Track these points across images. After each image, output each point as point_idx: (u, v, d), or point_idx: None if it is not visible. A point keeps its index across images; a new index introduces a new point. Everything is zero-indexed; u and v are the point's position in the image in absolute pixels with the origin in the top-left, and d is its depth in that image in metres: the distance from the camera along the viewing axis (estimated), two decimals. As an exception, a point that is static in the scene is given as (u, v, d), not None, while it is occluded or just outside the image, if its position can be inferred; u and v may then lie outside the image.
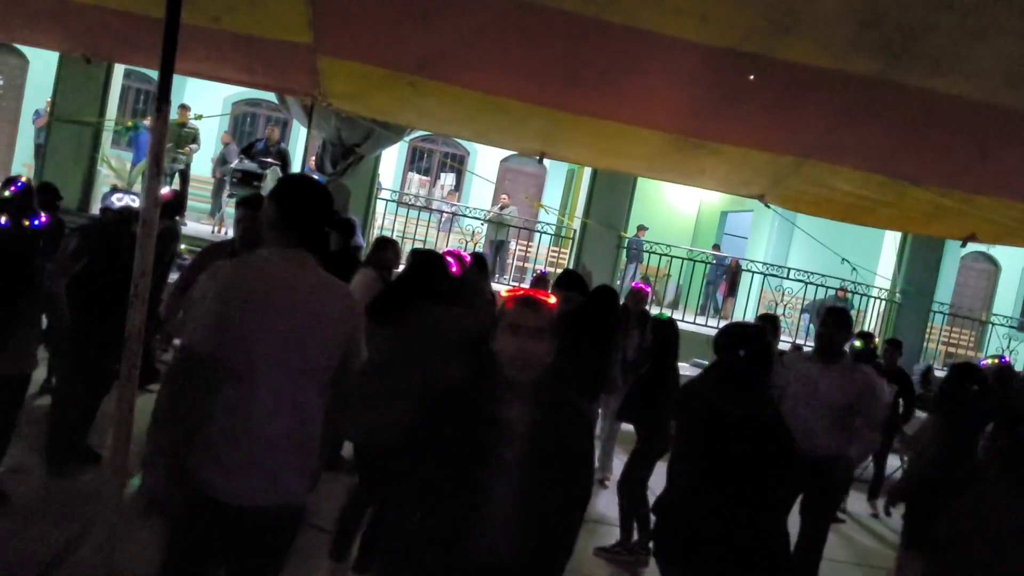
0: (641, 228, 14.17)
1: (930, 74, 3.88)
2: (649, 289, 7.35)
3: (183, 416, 2.28)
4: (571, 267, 11.23)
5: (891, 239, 12.62)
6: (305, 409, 2.38)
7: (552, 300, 2.16)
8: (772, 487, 2.88)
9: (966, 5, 3.30)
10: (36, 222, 4.13)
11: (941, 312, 12.77)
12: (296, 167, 11.63)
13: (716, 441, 2.90)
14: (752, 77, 4.06)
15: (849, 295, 12.65)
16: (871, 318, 11.98)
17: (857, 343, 6.52)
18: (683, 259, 13.16)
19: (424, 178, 17.55)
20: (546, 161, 6.79)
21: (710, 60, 4.12)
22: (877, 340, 8.68)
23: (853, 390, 4.42)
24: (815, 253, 11.89)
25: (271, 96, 12.08)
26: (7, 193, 4.57)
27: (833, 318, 4.65)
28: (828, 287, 12.07)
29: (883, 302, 12.20)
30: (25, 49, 14.24)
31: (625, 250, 12.79)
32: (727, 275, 14.96)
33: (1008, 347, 12.80)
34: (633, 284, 7.36)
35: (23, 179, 4.83)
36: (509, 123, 5.94)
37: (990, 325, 14.02)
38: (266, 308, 2.32)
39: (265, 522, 2.34)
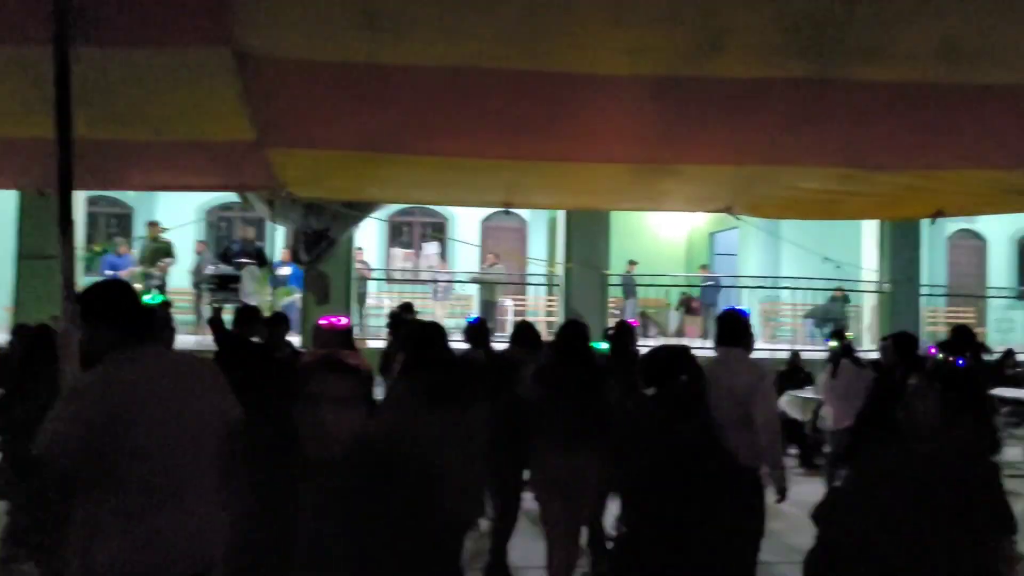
0: (631, 263, 14.21)
1: (864, 65, 3.91)
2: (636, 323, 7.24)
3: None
4: (569, 314, 11.21)
5: (870, 232, 12.66)
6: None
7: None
8: (734, 513, 2.76)
9: (879, -5, 3.34)
10: None
11: (935, 295, 12.75)
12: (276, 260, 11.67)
13: (670, 473, 2.78)
14: (690, 98, 4.10)
15: (846, 293, 12.65)
16: (867, 312, 11.93)
17: (832, 343, 6.51)
18: (679, 286, 13.17)
19: (407, 251, 17.60)
20: (526, 213, 6.86)
21: (649, 89, 4.17)
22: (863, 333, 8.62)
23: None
24: (803, 259, 11.92)
25: (241, 197, 12.16)
26: None
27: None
28: (819, 289, 12.05)
29: (875, 295, 12.16)
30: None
31: (621, 287, 12.78)
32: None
33: (1008, 318, 12.75)
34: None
35: None
36: (468, 180, 5.98)
37: (986, 300, 13.98)
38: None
39: None
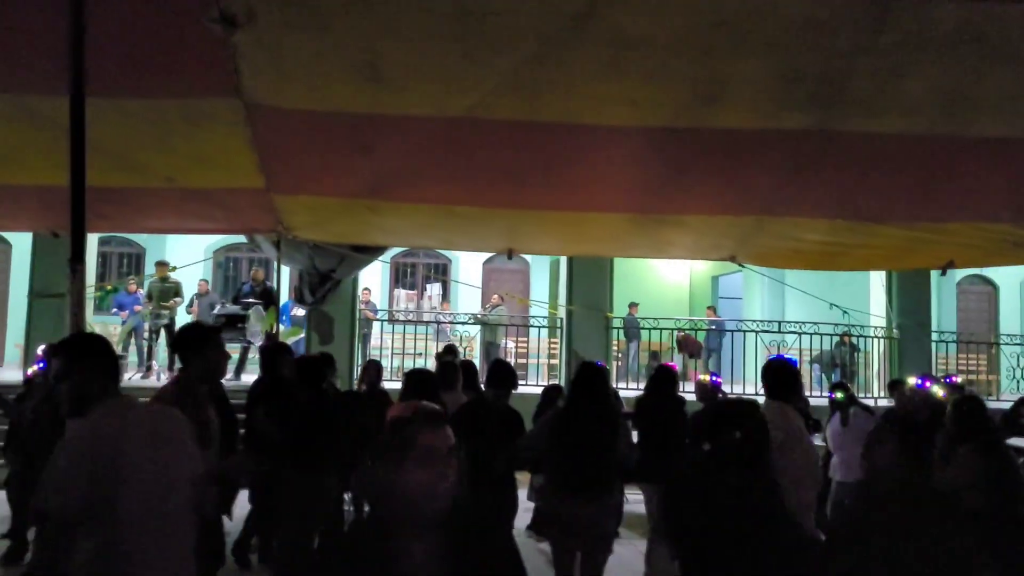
0: (632, 305, 14.18)
1: (865, 117, 3.95)
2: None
3: None
4: (570, 355, 11.19)
5: (878, 277, 12.63)
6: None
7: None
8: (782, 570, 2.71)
9: (880, 48, 3.37)
10: None
11: (945, 341, 12.65)
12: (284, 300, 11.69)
13: (722, 529, 2.71)
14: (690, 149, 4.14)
15: (852, 339, 12.58)
16: (875, 358, 11.86)
17: (838, 395, 6.44)
18: (682, 329, 13.12)
19: (411, 292, 17.64)
20: (529, 256, 6.90)
21: (648, 140, 4.21)
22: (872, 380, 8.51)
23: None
24: (809, 303, 11.89)
25: (248, 238, 12.25)
26: None
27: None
28: (825, 334, 12.00)
29: (883, 340, 12.10)
30: (5, 233, 14.52)
31: (623, 330, 12.74)
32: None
33: (1020, 365, 12.64)
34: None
35: None
36: (470, 227, 6.02)
37: (998, 346, 13.87)
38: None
39: None
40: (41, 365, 5.90)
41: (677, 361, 14.09)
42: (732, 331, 13.23)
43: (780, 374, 4.14)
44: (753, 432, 2.85)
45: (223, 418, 3.67)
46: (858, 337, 12.30)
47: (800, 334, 11.68)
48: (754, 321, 12.52)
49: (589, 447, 4.52)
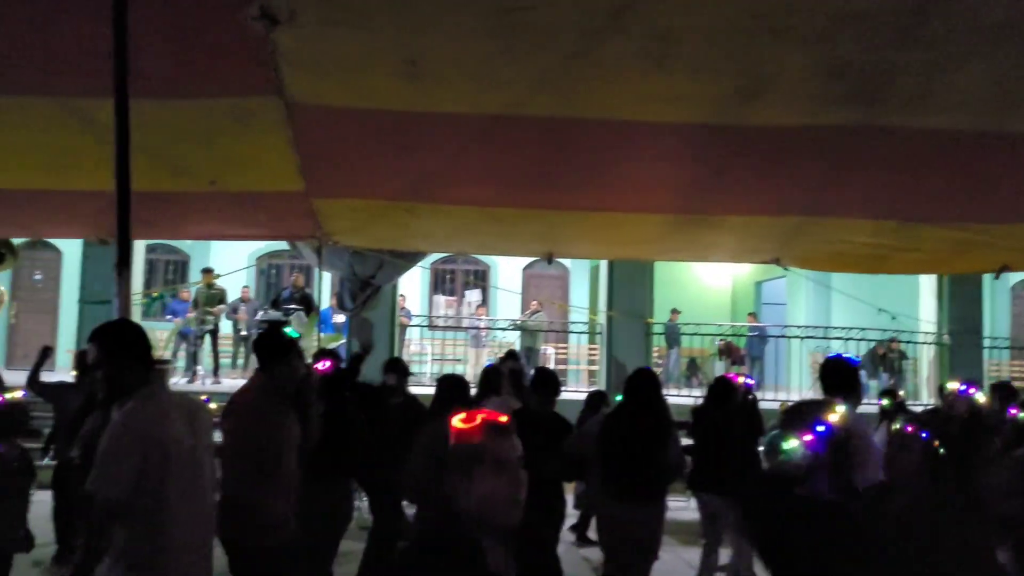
0: (674, 312, 14.08)
1: (911, 113, 3.82)
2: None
3: None
4: (610, 361, 11.12)
5: (927, 281, 12.32)
6: None
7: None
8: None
9: (927, 40, 3.26)
10: None
11: (998, 347, 12.28)
12: (324, 307, 11.83)
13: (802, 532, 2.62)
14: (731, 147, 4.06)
15: (900, 344, 12.29)
16: (924, 365, 11.55)
17: (885, 402, 6.29)
18: (723, 335, 12.96)
19: (450, 298, 17.71)
20: (568, 262, 6.85)
21: (688, 137, 4.15)
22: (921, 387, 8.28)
23: None
24: (857, 308, 11.64)
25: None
26: None
27: None
28: (873, 340, 11.74)
29: (933, 347, 11.78)
30: (56, 241, 14.92)
31: (664, 336, 12.63)
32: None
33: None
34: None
35: None
36: (509, 231, 6.00)
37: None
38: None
39: None
40: None
41: (720, 368, 13.93)
42: (776, 337, 13.00)
43: (840, 371, 3.91)
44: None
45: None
46: (906, 343, 12.01)
47: (846, 340, 11.43)
48: (798, 327, 12.29)
49: (641, 452, 4.54)
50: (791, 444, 2.79)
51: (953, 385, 6.14)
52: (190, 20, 3.05)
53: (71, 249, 14.02)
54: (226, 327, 12.53)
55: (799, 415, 2.90)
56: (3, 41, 3.26)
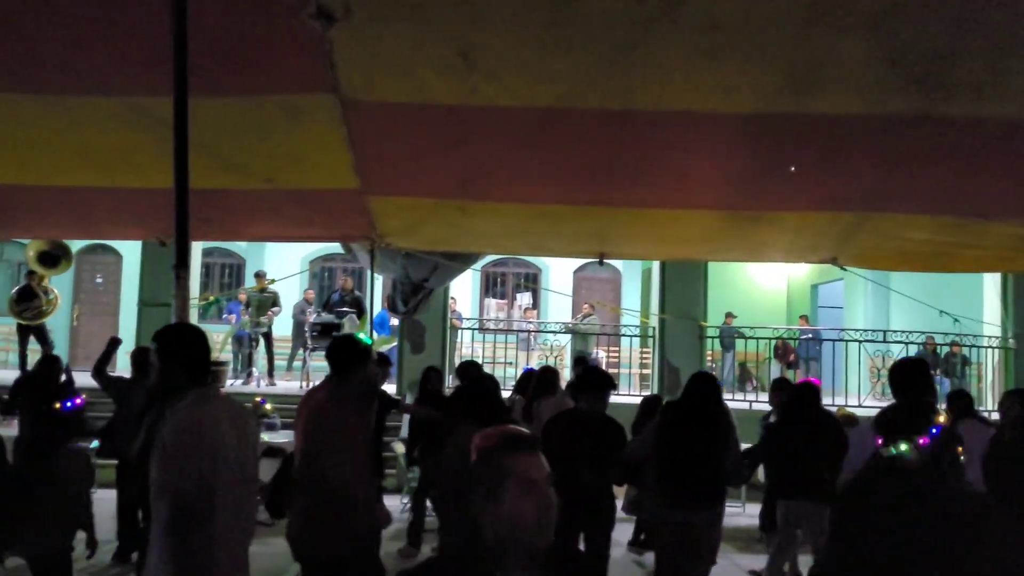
0: (729, 315, 13.90)
1: (974, 101, 3.70)
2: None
3: None
4: (662, 365, 11.01)
5: (992, 282, 11.92)
6: None
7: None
8: None
9: (990, 24, 3.17)
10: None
11: (1068, 351, 11.79)
12: (376, 309, 11.97)
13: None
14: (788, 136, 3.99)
15: (962, 349, 11.91)
16: (988, 369, 11.15)
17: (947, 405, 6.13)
18: (779, 339, 12.72)
19: (501, 301, 17.79)
20: (620, 264, 6.80)
21: (742, 129, 4.08)
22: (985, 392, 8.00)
23: None
24: (917, 311, 11.32)
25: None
26: None
27: None
28: (935, 344, 11.38)
29: (996, 351, 11.38)
30: (117, 245, 15.40)
31: (718, 339, 12.48)
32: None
33: None
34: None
35: None
36: (561, 230, 5.99)
37: None
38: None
39: None
40: None
41: (775, 370, 13.69)
42: (833, 340, 12.71)
43: (912, 372, 3.91)
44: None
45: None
46: (969, 347, 11.62)
47: (907, 344, 11.11)
48: (856, 330, 11.99)
49: (700, 456, 4.50)
50: (903, 446, 2.74)
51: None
52: (248, 19, 3.13)
53: (131, 253, 14.47)
54: (280, 328, 12.79)
55: (889, 420, 2.83)
56: (67, 42, 3.37)
